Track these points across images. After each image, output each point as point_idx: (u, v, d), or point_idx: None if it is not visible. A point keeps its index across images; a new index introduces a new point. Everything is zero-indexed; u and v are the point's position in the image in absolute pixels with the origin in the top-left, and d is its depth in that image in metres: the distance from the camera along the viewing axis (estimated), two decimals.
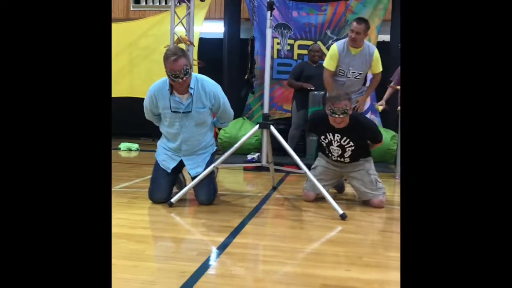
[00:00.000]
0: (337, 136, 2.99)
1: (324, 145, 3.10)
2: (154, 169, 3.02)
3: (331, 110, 2.83)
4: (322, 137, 3.06)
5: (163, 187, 2.92)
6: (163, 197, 2.90)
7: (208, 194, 2.92)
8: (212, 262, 1.87)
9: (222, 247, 2.06)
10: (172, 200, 2.83)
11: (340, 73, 3.80)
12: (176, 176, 3.05)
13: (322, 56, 5.32)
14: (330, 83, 3.81)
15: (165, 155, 3.00)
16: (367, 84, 4.11)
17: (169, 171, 2.95)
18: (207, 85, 2.85)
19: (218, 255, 1.96)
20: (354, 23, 3.65)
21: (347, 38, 3.75)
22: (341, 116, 2.82)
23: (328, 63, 3.82)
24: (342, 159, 3.08)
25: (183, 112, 2.83)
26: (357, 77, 3.81)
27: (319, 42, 6.33)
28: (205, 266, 1.80)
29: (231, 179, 3.41)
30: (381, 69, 3.87)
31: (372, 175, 3.08)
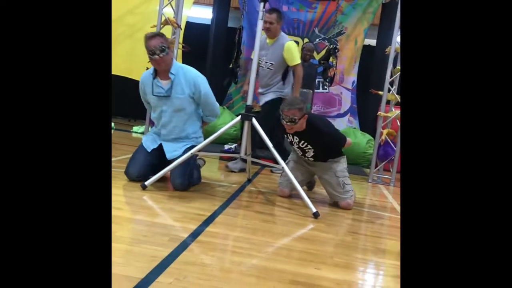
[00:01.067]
0: (296, 139, 3.03)
1: (289, 142, 3.16)
2: (137, 148, 3.13)
3: (281, 116, 2.87)
4: (285, 135, 3.12)
5: (139, 163, 2.99)
6: (137, 173, 2.96)
7: (182, 180, 2.91)
8: (183, 249, 1.86)
9: (194, 235, 2.05)
10: (146, 182, 2.80)
11: (259, 63, 3.94)
12: (158, 162, 3.06)
13: (312, 56, 5.35)
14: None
15: (150, 137, 3.14)
16: (285, 84, 4.05)
17: (148, 150, 3.06)
18: (188, 72, 2.98)
19: (189, 242, 1.94)
20: (266, 14, 3.74)
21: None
22: (288, 123, 2.83)
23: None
24: (306, 159, 3.14)
25: (163, 96, 2.95)
26: (270, 67, 3.94)
27: (306, 39, 6.34)
28: (176, 253, 1.79)
29: (206, 168, 3.39)
30: (297, 62, 3.90)
31: (341, 177, 3.04)
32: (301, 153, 3.10)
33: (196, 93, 2.97)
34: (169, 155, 3.02)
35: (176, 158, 2.93)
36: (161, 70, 2.92)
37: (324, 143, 3.00)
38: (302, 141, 3.01)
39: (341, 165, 3.11)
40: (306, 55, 5.24)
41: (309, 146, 3.01)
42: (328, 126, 3.02)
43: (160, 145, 3.07)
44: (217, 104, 3.15)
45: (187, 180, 2.95)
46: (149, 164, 3.02)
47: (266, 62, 3.97)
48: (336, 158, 3.11)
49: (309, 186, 3.55)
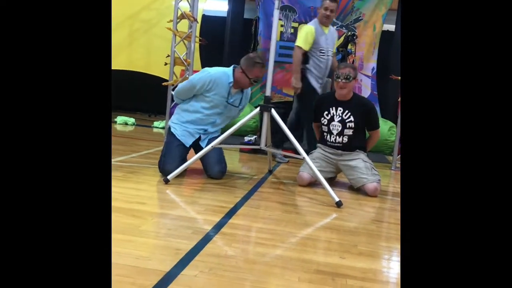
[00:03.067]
0: (340, 110, 3.16)
1: (326, 123, 3.21)
2: (168, 141, 3.11)
3: (336, 75, 3.09)
4: (325, 113, 3.20)
5: (177, 160, 3.00)
6: (174, 169, 2.89)
7: (220, 168, 3.10)
8: (207, 241, 1.87)
9: (217, 227, 2.05)
10: (168, 177, 2.82)
11: (321, 52, 3.93)
12: (186, 156, 3.14)
13: None
14: (298, 65, 3.89)
15: (184, 131, 3.12)
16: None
17: (187, 145, 3.11)
18: (248, 91, 3.28)
19: (213, 235, 1.95)
20: (328, 1, 3.84)
21: (316, 19, 3.95)
22: (343, 80, 3.06)
23: (303, 42, 3.87)
24: (340, 139, 3.17)
25: (233, 105, 3.15)
26: (330, 55, 4.01)
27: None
28: (200, 245, 1.80)
29: (227, 160, 3.39)
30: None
31: (368, 162, 3.18)
32: (339, 129, 3.16)
33: (243, 106, 3.26)
34: (204, 144, 3.13)
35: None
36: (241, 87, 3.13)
37: (365, 115, 3.18)
38: (346, 111, 3.15)
39: (366, 156, 3.25)
40: None
41: (351, 118, 3.13)
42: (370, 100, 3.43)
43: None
44: None
45: (224, 168, 3.13)
46: (184, 159, 3.09)
47: (330, 50, 4.00)
48: (362, 150, 3.24)
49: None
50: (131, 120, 6.13)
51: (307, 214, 2.50)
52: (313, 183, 3.22)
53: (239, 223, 2.17)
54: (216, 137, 3.10)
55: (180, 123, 3.13)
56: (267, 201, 2.71)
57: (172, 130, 3.13)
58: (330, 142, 3.22)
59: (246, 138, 4.89)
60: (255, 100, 6.20)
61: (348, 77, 3.05)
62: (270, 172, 3.61)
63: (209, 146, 2.88)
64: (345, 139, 3.17)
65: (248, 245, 1.89)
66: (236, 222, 2.18)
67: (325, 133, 3.24)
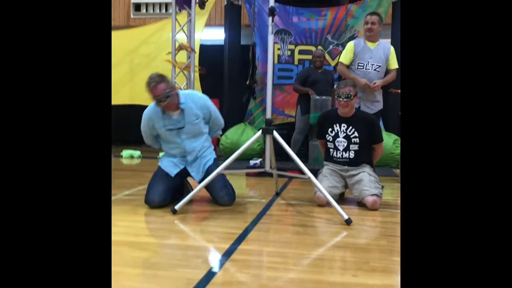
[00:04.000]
0: (343, 126, 3.21)
1: (331, 140, 3.26)
2: (153, 175, 3.12)
3: (337, 94, 3.15)
4: (330, 130, 3.25)
5: (160, 191, 3.00)
6: (158, 200, 2.96)
7: (229, 196, 3.08)
8: (218, 269, 1.86)
9: (227, 254, 2.04)
10: (176, 207, 2.82)
11: (359, 67, 3.95)
12: (177, 184, 3.11)
13: (324, 61, 5.35)
14: (347, 73, 3.98)
15: (169, 162, 3.13)
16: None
17: (172, 175, 3.07)
18: (195, 97, 3.05)
19: (223, 262, 1.94)
20: (368, 16, 3.92)
21: (363, 37, 4.01)
22: (344, 99, 3.11)
23: (343, 57, 4.02)
24: (347, 155, 3.21)
25: (177, 129, 2.99)
26: (377, 69, 3.94)
27: (320, 47, 6.34)
28: (210, 274, 1.79)
29: (234, 185, 3.39)
30: (397, 66, 4.02)
31: (372, 175, 3.20)
32: (345, 145, 3.20)
33: (207, 114, 3.08)
34: (198, 178, 3.11)
35: (204, 178, 3.02)
36: (171, 109, 2.96)
37: (369, 129, 3.20)
38: (350, 127, 3.20)
39: (372, 170, 3.27)
40: (316, 62, 5.25)
41: (355, 133, 3.17)
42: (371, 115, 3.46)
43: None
44: (222, 118, 3.28)
45: (233, 195, 3.11)
46: (169, 189, 3.04)
47: (372, 64, 3.94)
48: (368, 164, 3.26)
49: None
50: (137, 153, 6.17)
51: (317, 234, 2.48)
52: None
53: (249, 248, 2.16)
54: (213, 165, 3.10)
55: (166, 156, 3.20)
56: (276, 224, 2.70)
57: (159, 163, 3.19)
58: (336, 158, 3.26)
59: (252, 162, 4.90)
60: (258, 124, 6.24)
61: (349, 95, 3.11)
62: (278, 194, 3.60)
63: (214, 173, 2.89)
64: (352, 154, 3.21)
65: (260, 270, 1.87)
66: (246, 247, 2.17)
67: (331, 150, 3.29)
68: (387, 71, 4.02)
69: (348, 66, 4.00)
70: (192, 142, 3.07)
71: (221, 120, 3.23)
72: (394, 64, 4.00)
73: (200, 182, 3.09)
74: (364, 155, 3.24)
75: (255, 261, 1.99)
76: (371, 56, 3.93)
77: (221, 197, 3.06)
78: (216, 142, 6.12)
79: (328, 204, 3.10)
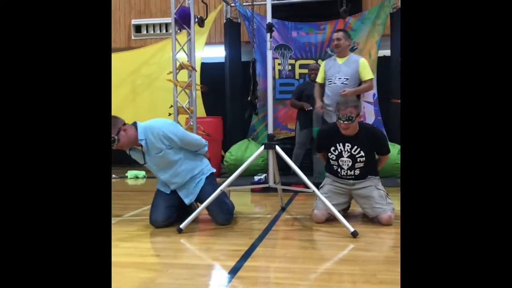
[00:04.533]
0: (348, 146, 3.00)
1: (334, 158, 3.07)
2: (154, 195, 3.13)
3: (338, 116, 2.94)
4: (332, 148, 3.05)
5: (162, 209, 2.99)
6: (162, 219, 2.96)
7: (225, 215, 3.00)
8: (224, 287, 1.84)
9: (233, 272, 2.03)
10: (181, 226, 2.81)
11: (328, 83, 4.26)
12: (179, 202, 3.07)
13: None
14: (315, 94, 4.40)
15: (162, 182, 3.13)
16: (361, 99, 4.37)
17: (167, 192, 3.07)
18: (154, 130, 2.85)
19: (230, 279, 1.93)
20: (334, 33, 4.26)
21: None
22: (345, 122, 2.90)
23: (318, 76, 4.44)
24: (352, 173, 3.04)
25: (143, 164, 2.99)
26: (344, 82, 4.15)
27: (320, 61, 6.38)
28: None
29: (238, 202, 3.38)
30: (370, 76, 4.17)
31: (381, 190, 3.06)
32: (350, 164, 3.02)
33: (172, 142, 2.88)
34: (187, 201, 3.03)
35: (198, 200, 3.03)
36: (129, 147, 2.92)
37: (375, 146, 3.06)
38: (355, 147, 2.99)
39: (379, 181, 3.13)
40: (311, 75, 5.29)
41: (361, 153, 2.98)
42: (377, 128, 3.28)
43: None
44: (198, 137, 3.10)
45: (229, 214, 3.03)
46: (171, 206, 3.03)
47: (339, 78, 4.17)
48: (374, 176, 3.12)
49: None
50: (142, 173, 6.18)
51: (323, 248, 2.46)
52: (329, 219, 3.13)
53: (255, 265, 2.14)
54: (206, 184, 3.04)
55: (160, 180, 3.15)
56: (282, 239, 2.68)
57: (156, 185, 3.20)
58: (341, 175, 3.09)
59: (256, 178, 4.89)
60: (262, 139, 6.24)
61: (350, 118, 2.88)
62: (283, 209, 3.59)
63: (218, 191, 2.88)
64: (357, 172, 3.04)
65: (267, 287, 1.86)
66: (252, 264, 2.15)
67: (334, 167, 3.11)
68: (362, 83, 4.20)
69: (323, 84, 4.34)
70: (165, 172, 2.98)
71: (197, 142, 3.04)
72: (366, 76, 4.14)
73: (195, 202, 3.10)
74: (370, 168, 3.09)
75: (262, 278, 1.98)
76: (339, 70, 4.18)
77: (215, 216, 3.00)
78: (220, 159, 6.12)
79: (326, 221, 3.05)
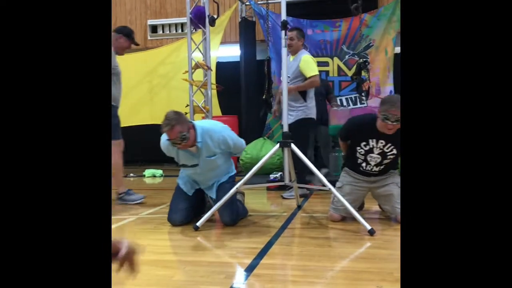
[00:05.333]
0: (381, 143, 2.88)
1: (362, 153, 2.95)
2: (174, 192, 3.12)
3: (385, 116, 2.72)
4: (363, 143, 2.92)
5: (181, 210, 3.00)
6: (180, 219, 2.98)
7: (231, 215, 2.95)
8: (241, 284, 1.86)
9: (249, 269, 2.04)
10: (198, 223, 2.84)
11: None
12: (197, 201, 3.11)
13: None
14: (277, 100, 4.41)
15: (186, 180, 3.11)
16: (307, 101, 4.14)
17: (189, 194, 3.06)
18: (214, 135, 2.90)
19: (246, 277, 1.94)
20: (288, 32, 3.96)
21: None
22: (394, 123, 2.71)
23: None
24: (377, 169, 2.96)
25: (191, 166, 2.95)
26: (290, 79, 4.02)
27: (335, 58, 6.35)
28: None
29: (255, 200, 3.39)
30: (312, 73, 3.99)
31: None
32: (378, 161, 2.93)
33: (227, 147, 2.97)
34: (214, 196, 3.06)
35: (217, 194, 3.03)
36: (187, 148, 2.88)
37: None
38: (389, 145, 2.87)
39: (398, 177, 3.02)
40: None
41: (394, 151, 2.89)
42: None
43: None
44: (242, 140, 3.15)
45: (235, 215, 2.99)
46: (190, 207, 3.04)
47: (289, 76, 4.01)
48: (395, 170, 3.04)
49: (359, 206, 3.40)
50: (159, 172, 6.24)
51: (340, 246, 2.45)
52: (345, 217, 3.09)
53: (272, 263, 2.15)
54: (226, 182, 3.06)
55: (185, 172, 3.14)
56: (298, 237, 2.68)
57: (178, 179, 3.17)
58: (364, 170, 3.00)
59: (272, 176, 4.89)
60: (277, 137, 6.25)
61: (399, 119, 2.68)
62: (299, 207, 3.58)
63: (233, 189, 2.89)
64: (382, 167, 2.97)
65: (283, 284, 1.86)
66: (269, 262, 2.16)
67: (359, 160, 2.99)
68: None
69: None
70: (207, 175, 3.03)
71: (241, 146, 3.13)
72: (308, 72, 3.99)
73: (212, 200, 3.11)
74: (393, 164, 3.00)
75: (279, 275, 1.99)
76: (289, 68, 4.04)
77: (222, 214, 2.97)
78: (236, 158, 6.14)
79: (342, 221, 3.01)
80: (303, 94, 4.07)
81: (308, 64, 4.02)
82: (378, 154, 2.92)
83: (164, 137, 2.93)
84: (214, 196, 3.05)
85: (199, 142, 2.86)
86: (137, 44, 4.17)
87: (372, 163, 2.96)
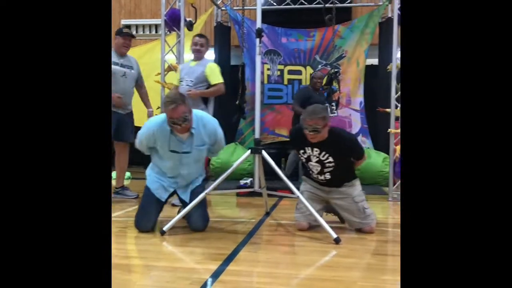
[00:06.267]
0: (316, 151, 2.89)
1: (304, 161, 3.01)
2: (143, 196, 3.01)
3: (304, 126, 2.79)
4: (301, 151, 2.96)
5: (152, 217, 2.92)
6: (150, 226, 2.90)
7: (203, 221, 2.93)
8: None
9: (215, 275, 2.03)
10: (164, 228, 2.80)
11: (180, 83, 4.21)
12: (163, 205, 3.04)
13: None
14: None
15: (158, 184, 2.99)
16: (208, 106, 4.25)
17: (163, 200, 2.98)
18: (207, 123, 2.91)
19: (212, 283, 1.93)
20: (197, 37, 4.19)
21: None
22: (311, 132, 2.76)
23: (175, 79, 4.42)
24: (322, 177, 2.97)
25: (183, 152, 2.87)
26: (189, 84, 4.11)
27: (308, 67, 6.42)
28: None
29: (224, 205, 3.38)
30: (218, 81, 4.14)
31: (359, 202, 2.95)
32: (319, 169, 2.94)
33: (213, 140, 2.97)
34: (188, 199, 2.97)
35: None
36: (183, 132, 2.81)
37: (345, 152, 2.92)
38: (323, 153, 2.87)
39: (357, 188, 3.02)
40: (316, 83, 5.25)
41: (330, 159, 2.87)
42: (349, 133, 3.16)
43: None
44: (224, 142, 3.15)
45: (207, 220, 2.97)
46: (159, 212, 2.98)
47: (186, 80, 4.15)
48: (351, 182, 3.02)
49: (341, 218, 3.33)
50: (127, 174, 6.12)
51: (306, 254, 2.47)
52: (312, 225, 3.10)
53: (238, 269, 2.14)
54: (200, 186, 3.02)
55: (154, 173, 3.02)
56: (265, 243, 2.68)
57: (148, 183, 3.01)
58: (313, 177, 3.04)
59: (242, 182, 4.90)
60: (249, 143, 6.25)
61: (316, 129, 2.74)
62: (268, 214, 3.59)
63: (203, 194, 2.87)
64: (328, 176, 2.96)
65: None
66: (234, 268, 2.16)
67: (307, 168, 3.05)
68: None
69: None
70: (191, 167, 2.95)
71: (223, 145, 3.10)
72: (213, 80, 4.11)
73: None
74: (343, 173, 2.98)
75: (244, 282, 1.98)
76: (187, 73, 4.18)
77: (195, 220, 2.90)
78: (207, 163, 6.10)
79: (308, 229, 3.01)
80: (204, 99, 4.18)
81: (214, 72, 4.14)
82: (316, 162, 2.93)
83: (154, 120, 2.87)
84: (187, 200, 2.96)
85: (194, 128, 2.82)
86: (131, 35, 4.25)
87: (315, 171, 2.98)
